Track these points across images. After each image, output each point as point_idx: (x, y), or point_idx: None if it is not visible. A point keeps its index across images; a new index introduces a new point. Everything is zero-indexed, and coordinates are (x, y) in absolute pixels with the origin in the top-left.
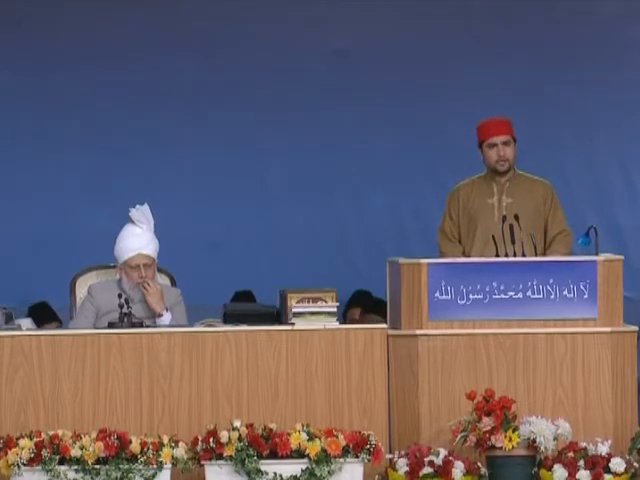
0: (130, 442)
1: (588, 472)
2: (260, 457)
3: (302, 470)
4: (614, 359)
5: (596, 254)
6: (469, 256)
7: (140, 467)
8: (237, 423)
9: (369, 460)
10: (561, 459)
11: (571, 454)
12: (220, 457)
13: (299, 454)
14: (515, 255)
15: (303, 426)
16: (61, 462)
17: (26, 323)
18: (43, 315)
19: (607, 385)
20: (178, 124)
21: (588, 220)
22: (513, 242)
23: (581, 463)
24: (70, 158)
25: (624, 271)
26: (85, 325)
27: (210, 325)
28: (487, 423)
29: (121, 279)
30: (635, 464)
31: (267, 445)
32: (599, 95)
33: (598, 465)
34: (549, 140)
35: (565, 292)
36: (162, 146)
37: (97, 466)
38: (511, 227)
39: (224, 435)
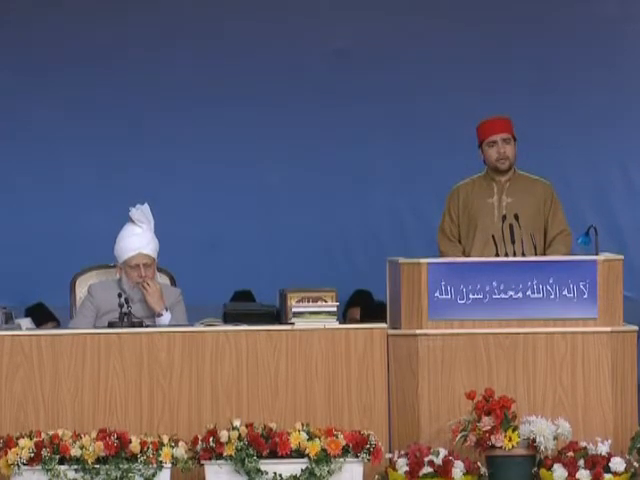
0: (130, 442)
1: (588, 472)
2: (260, 457)
3: (302, 470)
4: (614, 359)
5: (596, 254)
6: (469, 256)
7: (140, 467)
8: (237, 423)
9: (369, 460)
10: (561, 459)
11: (571, 454)
12: (220, 457)
13: (299, 454)
14: (515, 255)
15: (303, 426)
16: (61, 462)
17: (26, 323)
18: (40, 316)
19: (607, 385)
20: (178, 124)
21: (588, 220)
22: (513, 242)
23: (581, 463)
24: (70, 158)
25: (624, 271)
26: (85, 325)
27: (210, 325)
28: (487, 423)
29: (121, 279)
30: (635, 464)
31: (267, 445)
32: (599, 95)
33: (598, 465)
34: (549, 140)
35: (565, 292)
36: (162, 146)
37: (97, 466)
38: (511, 227)
39: (224, 435)
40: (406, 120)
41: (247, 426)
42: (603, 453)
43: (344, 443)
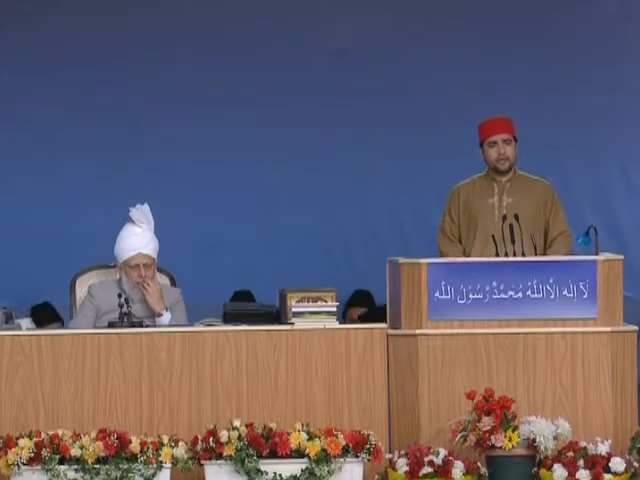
0: (130, 442)
1: (588, 472)
2: (260, 457)
3: (302, 470)
4: (614, 359)
5: (596, 254)
6: (469, 256)
7: (140, 467)
8: (237, 423)
9: (369, 460)
10: (561, 459)
11: (571, 454)
12: (220, 457)
13: (299, 454)
14: (515, 255)
15: (303, 426)
16: (61, 462)
17: (26, 323)
18: (45, 315)
19: (607, 385)
20: (178, 124)
21: (588, 220)
22: (513, 242)
23: (581, 463)
24: (70, 158)
25: (624, 271)
26: (85, 325)
27: (210, 325)
28: (487, 423)
29: (121, 279)
30: (635, 464)
31: (267, 445)
32: (599, 95)
33: (598, 465)
34: (549, 140)
35: (565, 292)
36: (162, 146)
37: (97, 466)
38: (511, 227)
39: (224, 435)
40: (406, 120)
41: (247, 426)
42: (603, 453)
43: (344, 443)
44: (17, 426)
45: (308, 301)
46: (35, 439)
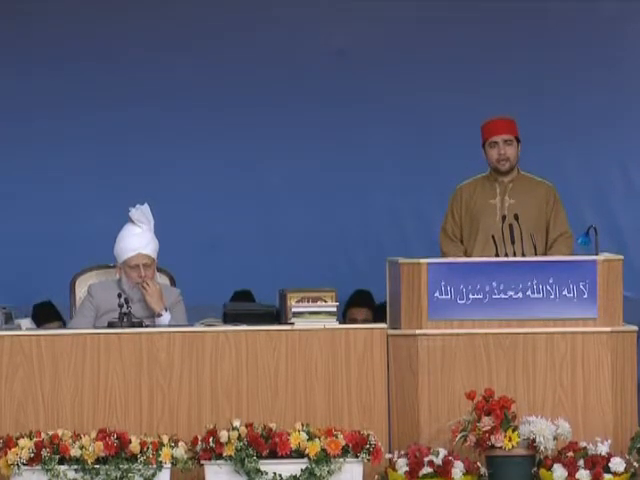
0: (130, 442)
1: (588, 472)
2: (260, 457)
3: (302, 470)
4: (614, 359)
5: (596, 254)
6: (470, 256)
7: (140, 467)
8: (237, 423)
9: (369, 460)
10: (561, 459)
11: (571, 454)
12: (220, 457)
13: (299, 454)
14: (515, 255)
15: (303, 426)
16: (61, 462)
17: (26, 323)
18: (46, 314)
19: (607, 385)
20: (178, 124)
21: (588, 220)
22: (513, 242)
23: (581, 463)
24: (70, 158)
25: (624, 271)
26: (85, 325)
27: (210, 325)
28: (487, 423)
29: (121, 279)
30: (635, 464)
31: (267, 445)
32: (599, 95)
33: (598, 465)
34: (549, 140)
35: (565, 292)
36: (162, 146)
37: (97, 466)
38: (511, 227)
39: (224, 435)
40: (406, 120)
41: (247, 426)
42: (603, 453)
43: (344, 443)
44: (17, 426)
45: (308, 301)
46: (35, 439)
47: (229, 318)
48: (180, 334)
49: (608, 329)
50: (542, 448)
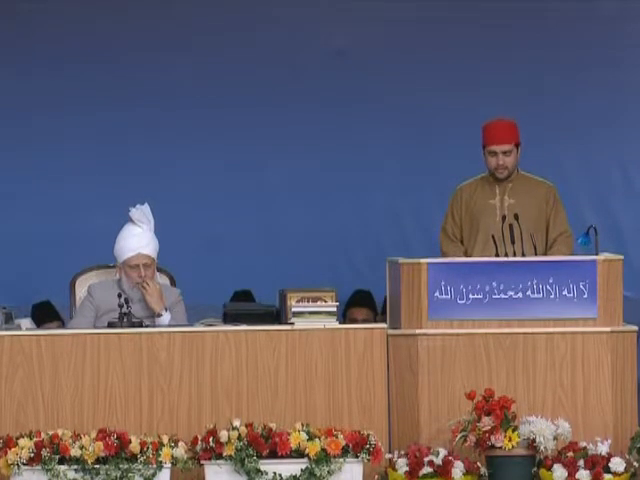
0: (130, 442)
1: (588, 472)
2: (260, 457)
3: (302, 470)
4: (614, 359)
5: (596, 254)
6: (470, 256)
7: (140, 467)
8: (237, 423)
9: (369, 460)
10: (561, 459)
11: (571, 454)
12: (220, 457)
13: (299, 454)
14: (515, 255)
15: (303, 426)
16: (61, 462)
17: (26, 323)
18: (45, 314)
19: (607, 385)
20: (178, 124)
21: (588, 220)
22: (513, 242)
23: (581, 463)
24: (70, 158)
25: (624, 271)
26: (85, 325)
27: (210, 325)
28: (487, 423)
29: (121, 279)
30: (635, 464)
31: (267, 445)
32: (599, 95)
33: (598, 465)
34: (549, 140)
35: (565, 292)
36: (162, 146)
37: (97, 466)
38: (511, 227)
39: (224, 435)
40: (406, 120)
41: (247, 426)
42: (603, 453)
43: (344, 443)
44: (17, 426)
45: (308, 301)
46: (35, 439)
47: (229, 318)
48: (180, 334)
49: (608, 329)
50: (542, 448)
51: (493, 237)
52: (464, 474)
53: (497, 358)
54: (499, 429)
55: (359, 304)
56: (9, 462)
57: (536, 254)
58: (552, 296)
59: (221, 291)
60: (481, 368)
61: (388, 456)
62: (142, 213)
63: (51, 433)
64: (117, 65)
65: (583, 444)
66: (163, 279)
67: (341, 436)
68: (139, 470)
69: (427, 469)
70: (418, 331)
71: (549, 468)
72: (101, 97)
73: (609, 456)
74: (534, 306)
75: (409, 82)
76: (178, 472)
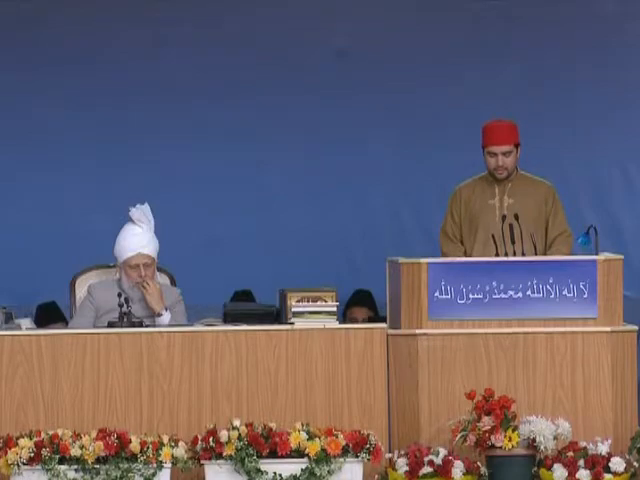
0: (130, 441)
1: (588, 472)
2: (260, 456)
3: (302, 470)
4: (614, 358)
5: (596, 254)
6: (470, 256)
7: (140, 466)
8: (237, 422)
9: (369, 460)
10: (561, 458)
11: (571, 453)
12: (220, 456)
13: (299, 453)
14: (515, 255)
15: (303, 425)
16: (61, 461)
17: (26, 323)
18: (50, 315)
19: (607, 384)
20: (178, 124)
21: (588, 220)
22: (513, 242)
23: (581, 463)
24: (70, 158)
25: (624, 271)
26: (85, 324)
27: (210, 325)
28: (487, 422)
29: (121, 278)
30: (635, 464)
31: (267, 444)
32: (599, 95)
33: (598, 465)
34: (549, 140)
35: (565, 291)
36: (162, 146)
37: (97, 465)
38: (511, 227)
39: (224, 434)
40: (406, 120)
41: (247, 426)
42: (603, 453)
43: (344, 443)
44: (17, 426)
45: (308, 301)
46: (35, 439)
47: (229, 318)
48: (180, 334)
49: (608, 329)
50: (542, 448)
51: (493, 237)
52: (464, 474)
53: (497, 358)
54: (499, 429)
55: (359, 304)
56: (9, 462)
57: (536, 254)
58: (552, 296)
59: (221, 291)
60: (481, 368)
61: (388, 456)
62: (142, 213)
63: (51, 433)
64: (117, 65)
65: (583, 444)
66: (163, 279)
67: (341, 436)
68: (139, 470)
69: (427, 469)
70: (418, 331)
71: (549, 468)
72: (101, 97)
73: (609, 456)
74: (534, 306)
75: (409, 81)
76: (178, 472)
